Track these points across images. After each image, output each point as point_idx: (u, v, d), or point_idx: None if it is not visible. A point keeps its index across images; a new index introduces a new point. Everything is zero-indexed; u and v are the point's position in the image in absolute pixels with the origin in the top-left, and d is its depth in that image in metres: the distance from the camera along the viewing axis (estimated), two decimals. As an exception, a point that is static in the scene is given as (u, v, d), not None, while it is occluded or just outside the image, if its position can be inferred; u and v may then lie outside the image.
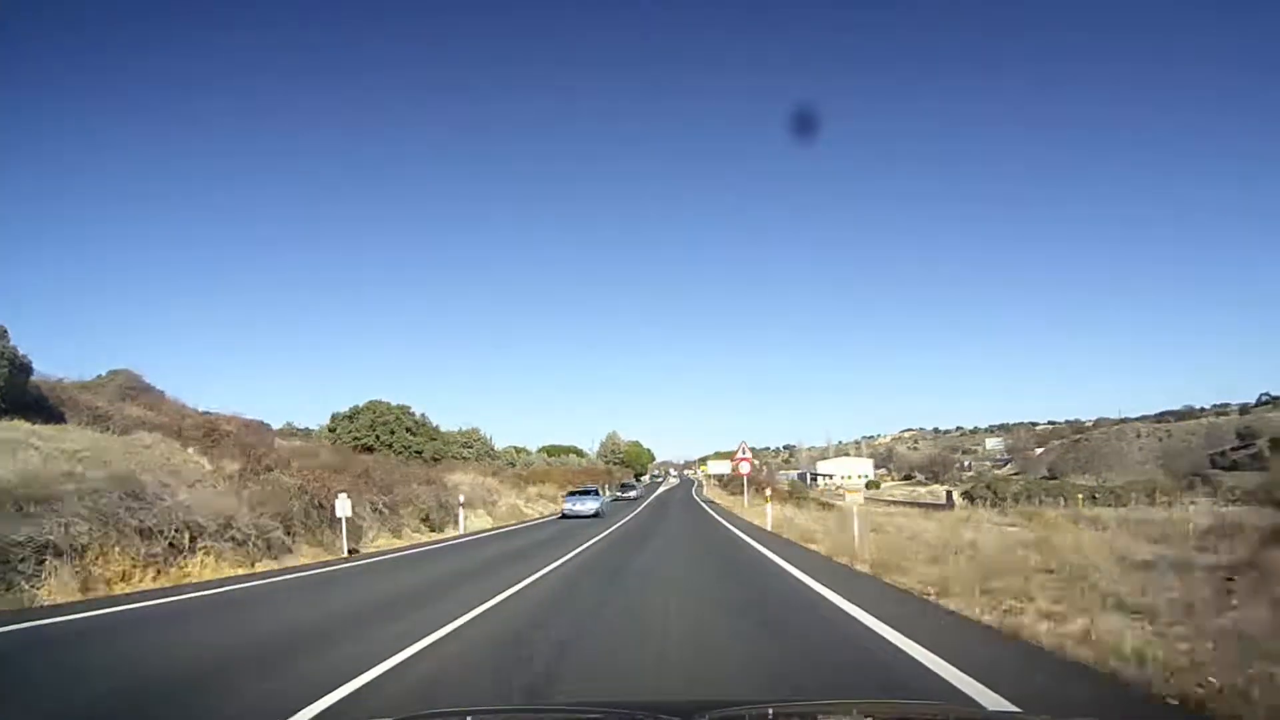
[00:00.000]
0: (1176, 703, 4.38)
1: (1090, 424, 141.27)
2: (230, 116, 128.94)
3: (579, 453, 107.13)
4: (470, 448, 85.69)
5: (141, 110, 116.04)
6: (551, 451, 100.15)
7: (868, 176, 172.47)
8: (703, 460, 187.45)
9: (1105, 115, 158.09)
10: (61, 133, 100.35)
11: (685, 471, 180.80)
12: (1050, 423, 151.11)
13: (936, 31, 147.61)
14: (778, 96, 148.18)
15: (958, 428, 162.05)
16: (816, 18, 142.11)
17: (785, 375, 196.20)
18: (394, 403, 54.14)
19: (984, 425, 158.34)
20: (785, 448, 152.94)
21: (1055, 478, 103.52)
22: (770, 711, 2.88)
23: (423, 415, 56.64)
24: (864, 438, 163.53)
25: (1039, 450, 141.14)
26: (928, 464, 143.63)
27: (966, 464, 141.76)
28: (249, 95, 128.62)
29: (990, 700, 4.51)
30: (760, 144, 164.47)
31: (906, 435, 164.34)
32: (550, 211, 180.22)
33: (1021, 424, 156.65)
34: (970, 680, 4.95)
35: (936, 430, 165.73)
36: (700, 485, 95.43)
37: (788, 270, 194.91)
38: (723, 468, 71.13)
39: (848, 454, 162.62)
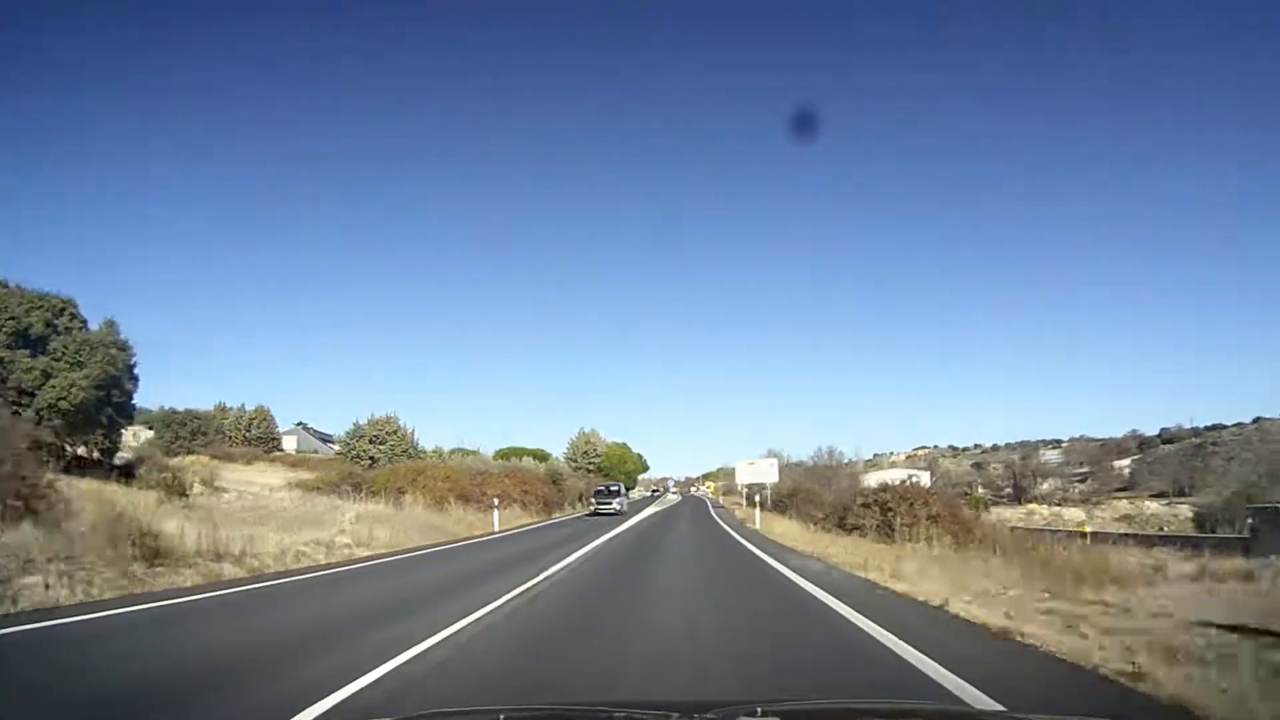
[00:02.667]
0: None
1: (1159, 434, 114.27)
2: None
3: (541, 456, 75.22)
4: (381, 443, 54.12)
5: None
6: (507, 454, 69.40)
7: (869, 180, 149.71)
8: (706, 476, 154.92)
9: (1084, 115, 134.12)
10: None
11: (690, 489, 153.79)
12: (1072, 439, 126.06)
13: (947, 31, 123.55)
14: (791, 95, 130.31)
15: (976, 445, 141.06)
16: (817, 17, 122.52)
17: (787, 392, 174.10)
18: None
19: (1001, 443, 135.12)
20: (795, 465, 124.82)
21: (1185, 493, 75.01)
22: (771, 712, 2.97)
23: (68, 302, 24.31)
24: (876, 455, 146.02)
25: (1121, 462, 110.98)
26: (989, 480, 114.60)
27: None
28: None
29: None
30: (762, 145, 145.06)
31: (921, 453, 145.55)
32: (547, 214, 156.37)
33: (1041, 441, 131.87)
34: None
35: (953, 448, 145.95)
36: (713, 503, 65.02)
37: (793, 282, 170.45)
38: (759, 475, 38.70)
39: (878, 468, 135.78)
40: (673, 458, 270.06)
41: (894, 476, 73.53)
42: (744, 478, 40.37)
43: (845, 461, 47.75)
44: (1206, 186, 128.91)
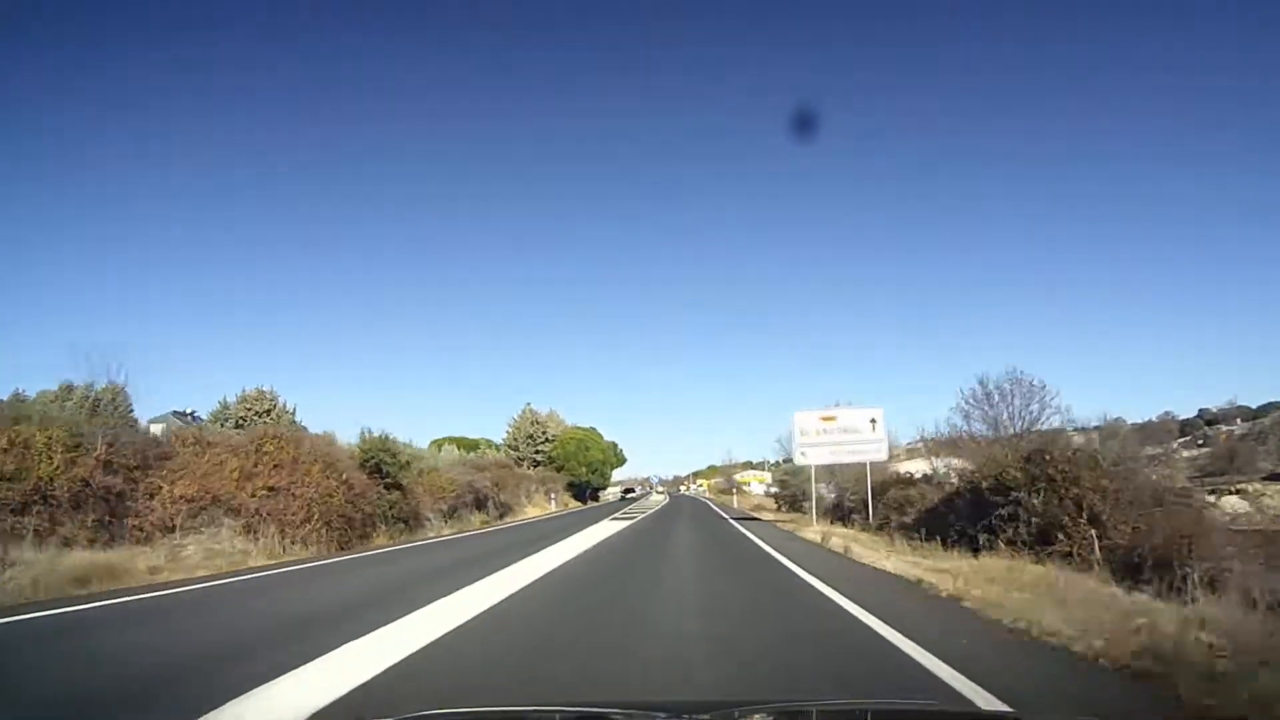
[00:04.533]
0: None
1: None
2: None
3: (469, 444, 54.93)
4: (241, 424, 31.82)
5: None
6: (441, 444, 49.71)
7: (862, 171, 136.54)
8: (696, 475, 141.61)
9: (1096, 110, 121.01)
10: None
11: (680, 488, 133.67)
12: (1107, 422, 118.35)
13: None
14: (778, 93, 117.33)
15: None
16: (816, 17, 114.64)
17: (776, 388, 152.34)
18: None
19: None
20: (785, 460, 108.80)
21: None
22: (773, 712, 2.89)
23: None
24: None
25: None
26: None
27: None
28: None
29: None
30: (753, 142, 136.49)
31: (919, 445, 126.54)
32: (539, 213, 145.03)
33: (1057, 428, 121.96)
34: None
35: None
36: (726, 510, 40.28)
37: (785, 275, 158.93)
38: (849, 447, 17.97)
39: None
40: (657, 458, 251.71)
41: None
42: (816, 455, 19.13)
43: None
44: (1206, 185, 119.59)
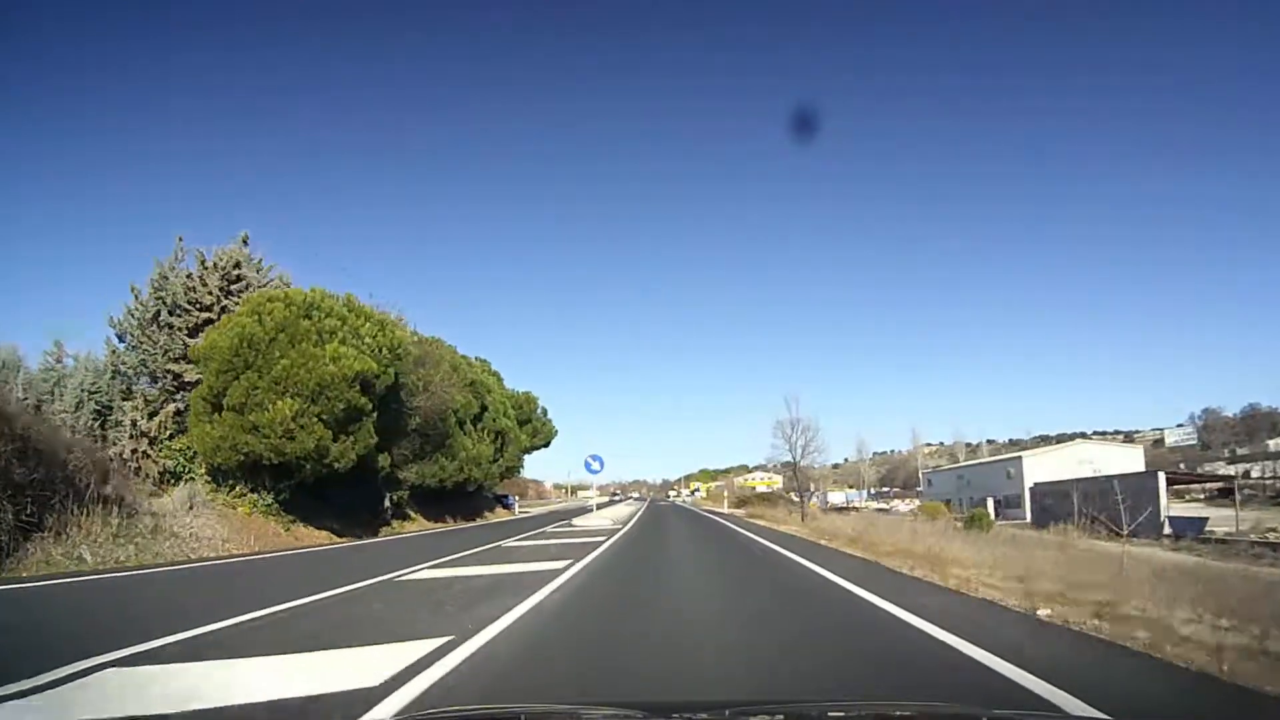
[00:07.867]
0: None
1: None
2: None
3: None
4: None
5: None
6: None
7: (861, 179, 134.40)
8: (688, 479, 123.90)
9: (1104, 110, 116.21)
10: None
11: (670, 494, 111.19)
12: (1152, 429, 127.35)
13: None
14: (779, 95, 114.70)
15: (990, 440, 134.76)
16: (817, 17, 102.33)
17: (774, 392, 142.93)
18: None
19: (1026, 436, 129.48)
20: (784, 464, 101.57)
21: None
22: (773, 713, 2.73)
23: None
24: (875, 453, 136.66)
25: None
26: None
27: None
28: None
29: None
30: (744, 141, 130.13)
31: (928, 450, 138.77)
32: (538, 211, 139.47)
33: (1077, 433, 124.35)
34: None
35: (969, 445, 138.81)
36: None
37: (781, 274, 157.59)
38: None
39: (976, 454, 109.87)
40: (646, 463, 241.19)
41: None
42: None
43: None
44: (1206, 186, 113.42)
